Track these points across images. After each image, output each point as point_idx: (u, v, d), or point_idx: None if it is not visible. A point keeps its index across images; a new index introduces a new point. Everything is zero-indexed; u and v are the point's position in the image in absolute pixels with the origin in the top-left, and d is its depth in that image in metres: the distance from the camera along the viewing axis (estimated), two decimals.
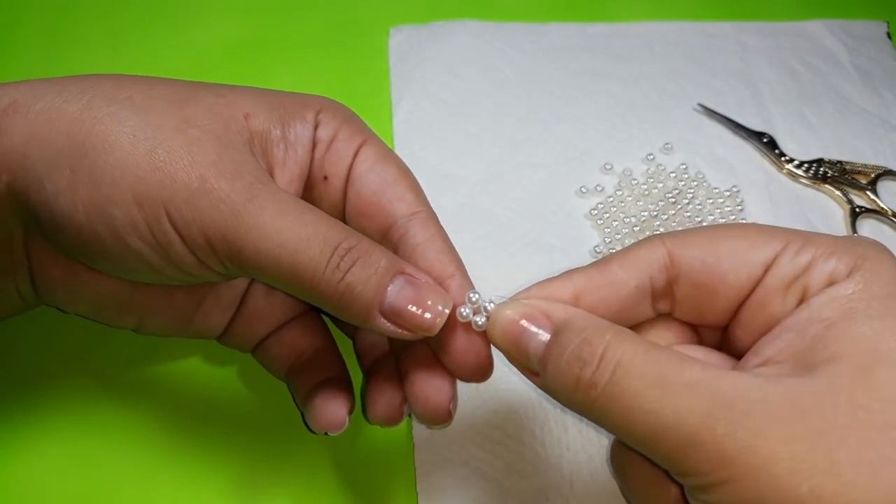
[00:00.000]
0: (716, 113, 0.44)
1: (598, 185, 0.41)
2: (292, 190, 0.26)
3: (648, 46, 0.48)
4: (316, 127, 0.26)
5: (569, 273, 0.24)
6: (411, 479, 0.31)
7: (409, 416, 0.32)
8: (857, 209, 0.41)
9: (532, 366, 0.23)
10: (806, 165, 0.42)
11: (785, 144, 0.43)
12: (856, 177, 0.42)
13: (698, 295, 0.24)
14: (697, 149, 0.43)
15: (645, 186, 0.41)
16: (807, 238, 0.22)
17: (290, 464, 0.32)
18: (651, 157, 0.42)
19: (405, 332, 0.24)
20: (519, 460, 0.32)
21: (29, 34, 0.47)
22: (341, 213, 0.28)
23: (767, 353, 0.22)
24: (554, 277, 0.24)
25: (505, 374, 0.34)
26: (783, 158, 0.43)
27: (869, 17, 0.50)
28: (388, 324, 0.24)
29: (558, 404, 0.33)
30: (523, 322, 0.23)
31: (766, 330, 0.23)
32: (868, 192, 0.41)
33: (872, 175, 0.42)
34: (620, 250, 0.24)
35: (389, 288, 0.23)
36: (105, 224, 0.23)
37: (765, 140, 0.43)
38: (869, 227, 0.41)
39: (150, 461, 0.31)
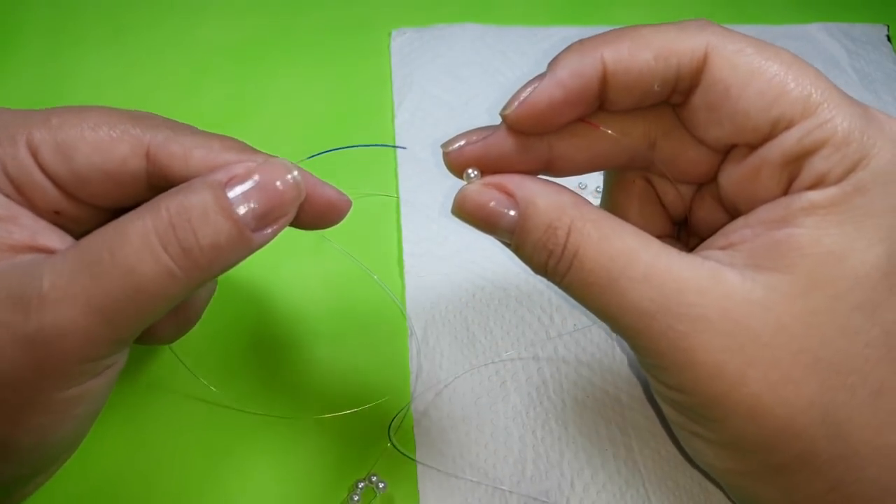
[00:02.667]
0: None
1: (598, 187, 0.41)
2: (60, 240, 0.23)
3: None
4: None
5: (600, 40, 0.23)
6: (412, 477, 0.31)
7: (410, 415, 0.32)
8: None
9: (504, 239, 0.24)
10: None
11: None
12: None
13: (705, 120, 0.23)
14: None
15: None
16: (834, 113, 0.21)
17: (290, 464, 0.32)
18: None
19: (286, 219, 0.22)
20: (520, 459, 0.32)
21: (32, 34, 0.47)
22: (91, 210, 0.24)
23: (733, 237, 0.23)
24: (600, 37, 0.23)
25: (505, 374, 0.34)
26: None
27: (869, 21, 0.50)
28: (270, 228, 0.22)
29: (558, 404, 0.33)
30: (491, 204, 0.23)
31: (746, 202, 0.23)
32: None
33: None
34: (659, 25, 0.23)
35: (235, 210, 0.21)
36: None
37: None
38: None
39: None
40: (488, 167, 0.24)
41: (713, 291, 0.21)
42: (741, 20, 0.50)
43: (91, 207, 0.24)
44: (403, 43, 0.47)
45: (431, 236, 0.39)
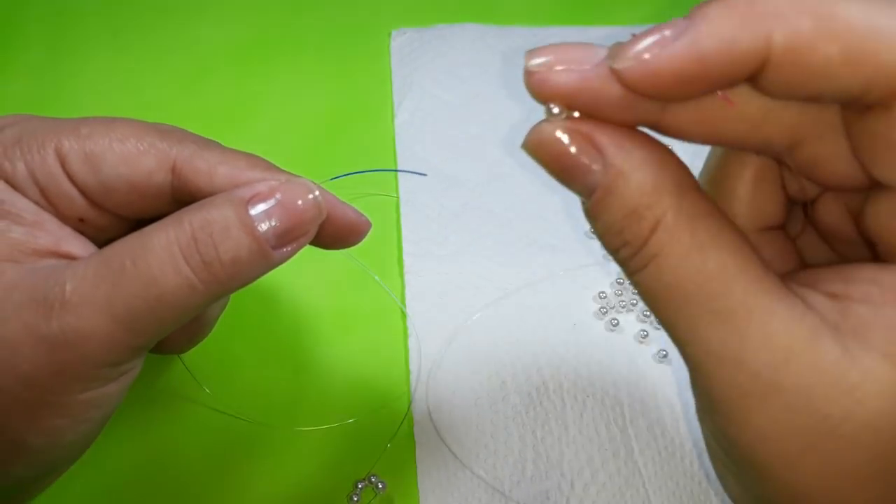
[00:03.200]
0: None
1: None
2: (83, 247, 0.23)
3: None
4: (13, 182, 0.22)
5: (774, 5, 0.16)
6: (412, 477, 0.31)
7: (410, 415, 0.32)
8: None
9: (580, 196, 0.19)
10: None
11: None
12: None
13: (880, 155, 0.17)
14: (698, 150, 0.43)
15: None
16: None
17: (288, 461, 0.32)
18: None
19: (306, 238, 0.22)
20: (520, 459, 0.32)
21: (32, 34, 0.48)
22: (116, 219, 0.24)
23: (853, 289, 0.18)
24: None
25: (505, 374, 0.34)
26: None
27: None
28: (290, 246, 0.22)
29: (558, 404, 0.33)
30: (573, 151, 0.18)
31: (887, 246, 0.18)
32: None
33: None
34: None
35: (256, 227, 0.21)
36: None
37: None
38: None
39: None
40: (580, 107, 0.19)
41: (803, 361, 0.17)
42: None
43: (115, 216, 0.24)
44: (403, 43, 0.47)
45: (431, 236, 0.39)
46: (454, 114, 0.44)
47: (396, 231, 0.39)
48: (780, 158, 0.20)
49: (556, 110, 0.19)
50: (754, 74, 0.16)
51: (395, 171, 0.22)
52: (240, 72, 0.46)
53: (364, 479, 0.31)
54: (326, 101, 0.45)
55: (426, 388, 0.34)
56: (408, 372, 0.34)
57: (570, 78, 0.18)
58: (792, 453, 0.18)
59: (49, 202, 0.23)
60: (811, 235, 0.22)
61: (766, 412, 0.18)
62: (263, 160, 0.24)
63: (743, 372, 0.18)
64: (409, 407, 0.33)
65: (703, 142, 0.20)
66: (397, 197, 0.40)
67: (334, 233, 0.24)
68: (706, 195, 0.19)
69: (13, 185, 0.22)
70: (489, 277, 0.37)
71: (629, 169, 0.18)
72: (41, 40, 0.47)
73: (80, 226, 0.23)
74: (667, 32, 0.17)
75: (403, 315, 0.36)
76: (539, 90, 0.19)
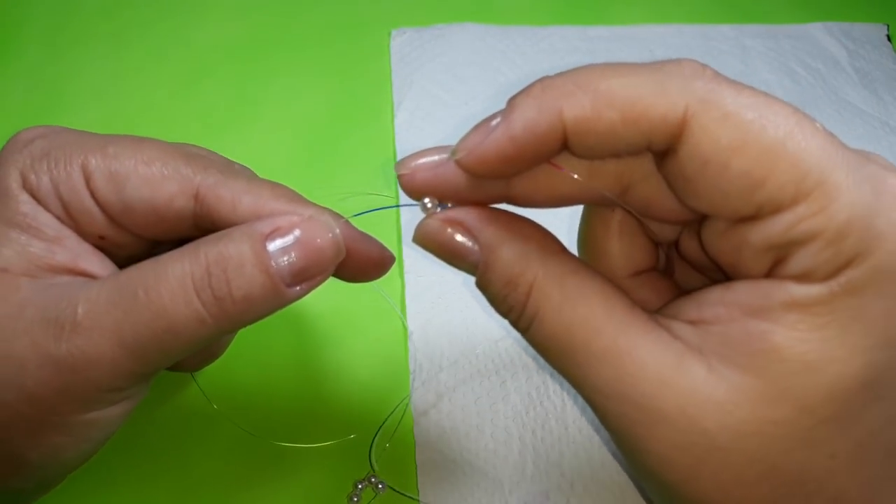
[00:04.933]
0: None
1: None
2: (101, 265, 0.23)
3: (648, 49, 0.48)
4: (37, 195, 0.22)
5: (561, 89, 0.19)
6: (412, 477, 0.31)
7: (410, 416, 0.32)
8: None
9: (470, 274, 0.22)
10: None
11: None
12: None
13: (682, 187, 0.20)
14: None
15: None
16: (832, 199, 0.17)
17: (288, 463, 0.32)
18: None
19: (322, 277, 0.22)
20: (520, 459, 0.32)
21: (32, 34, 0.47)
22: (135, 239, 0.24)
23: (706, 312, 0.20)
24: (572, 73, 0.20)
25: (505, 374, 0.34)
26: None
27: (869, 20, 0.50)
28: (306, 284, 0.22)
29: (558, 404, 0.33)
30: (456, 238, 0.21)
31: (727, 266, 0.20)
32: None
33: None
34: (637, 71, 0.19)
35: (272, 264, 0.21)
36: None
37: None
38: None
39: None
40: (444, 196, 0.22)
41: (674, 384, 0.19)
42: (741, 20, 0.50)
43: (135, 236, 0.24)
44: (403, 43, 0.47)
45: None
46: (454, 114, 0.44)
47: (396, 231, 0.39)
48: (624, 207, 0.23)
49: (429, 203, 0.22)
50: (563, 144, 0.20)
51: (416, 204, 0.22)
52: (239, 72, 0.46)
53: (364, 480, 0.31)
54: (326, 101, 0.45)
55: (426, 387, 0.34)
56: (408, 372, 0.34)
57: (426, 175, 0.21)
58: (687, 469, 0.20)
59: (70, 217, 0.23)
60: (686, 269, 0.24)
61: (656, 437, 0.20)
62: (289, 190, 0.23)
63: (627, 404, 0.20)
64: (408, 407, 0.33)
65: (550, 205, 0.23)
66: (397, 197, 0.40)
67: (356, 267, 0.24)
68: (570, 255, 0.22)
69: (37, 198, 0.22)
70: None
71: (498, 245, 0.21)
72: (40, 41, 0.47)
73: (99, 242, 0.23)
74: (491, 123, 0.20)
75: (403, 316, 0.36)
76: (408, 189, 0.22)
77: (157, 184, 0.22)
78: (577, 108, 0.19)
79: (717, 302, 0.20)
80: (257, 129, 0.43)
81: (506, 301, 0.21)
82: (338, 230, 0.22)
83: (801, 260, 0.18)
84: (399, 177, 0.22)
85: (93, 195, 0.22)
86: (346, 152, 0.43)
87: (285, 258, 0.21)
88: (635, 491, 0.31)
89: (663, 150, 0.19)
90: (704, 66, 0.19)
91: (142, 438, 0.32)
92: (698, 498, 0.20)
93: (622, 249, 0.24)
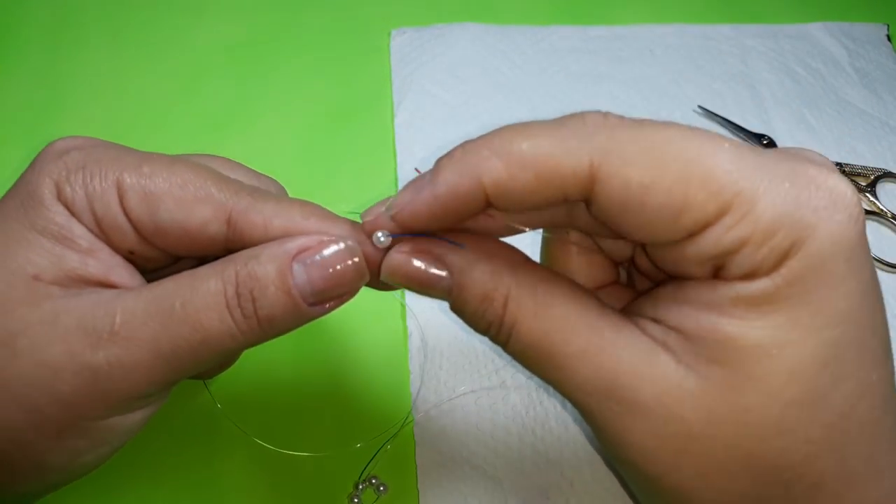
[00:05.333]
0: (716, 115, 0.45)
1: None
2: (130, 277, 0.24)
3: (648, 49, 0.48)
4: (72, 208, 0.23)
5: (478, 156, 0.20)
6: (412, 477, 0.31)
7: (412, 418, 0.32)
8: None
9: (443, 300, 0.23)
10: None
11: (785, 146, 0.43)
12: (855, 178, 0.42)
13: (612, 224, 0.21)
14: None
15: None
16: (754, 203, 0.19)
17: (288, 469, 0.32)
18: None
19: (346, 297, 0.23)
20: (519, 459, 0.32)
21: (31, 35, 0.47)
22: (164, 254, 0.24)
23: (663, 311, 0.21)
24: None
25: (505, 373, 0.34)
26: None
27: (869, 20, 0.50)
28: (328, 304, 0.23)
29: (558, 404, 0.33)
30: (424, 269, 0.22)
31: (676, 273, 0.21)
32: (867, 194, 0.41)
33: (872, 177, 0.42)
34: (543, 130, 0.20)
35: (293, 283, 0.22)
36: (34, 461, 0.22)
37: (764, 142, 0.43)
38: (869, 230, 0.41)
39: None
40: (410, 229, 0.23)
41: (649, 376, 0.20)
42: (742, 19, 0.50)
43: (164, 253, 0.24)
44: (403, 42, 0.47)
45: None
46: (454, 113, 0.44)
47: None
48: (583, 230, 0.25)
49: (381, 237, 0.22)
50: (487, 202, 0.20)
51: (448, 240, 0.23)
52: (239, 71, 0.46)
53: (364, 481, 0.31)
54: (326, 101, 0.45)
55: (426, 387, 0.34)
56: (408, 372, 0.34)
57: (375, 223, 0.22)
58: (669, 459, 0.20)
59: (102, 232, 0.23)
60: (646, 281, 0.25)
61: (638, 428, 0.21)
62: (318, 208, 0.24)
63: (607, 398, 0.21)
64: (409, 407, 0.33)
65: (506, 234, 0.24)
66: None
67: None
68: (537, 264, 0.23)
69: (71, 211, 0.22)
70: None
71: (468, 265, 0.22)
72: (40, 41, 0.47)
73: (129, 256, 0.24)
74: (419, 182, 0.21)
75: (404, 315, 0.36)
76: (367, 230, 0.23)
77: (190, 208, 0.23)
78: (493, 172, 0.20)
79: (671, 299, 0.21)
80: (257, 129, 0.43)
81: (484, 317, 0.22)
82: (359, 256, 0.23)
83: (739, 264, 0.19)
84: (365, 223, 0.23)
85: (126, 213, 0.23)
86: (346, 152, 0.43)
87: (309, 281, 0.22)
88: None
89: (582, 199, 0.20)
90: (606, 114, 0.20)
91: (147, 441, 0.32)
92: (681, 490, 0.21)
93: (581, 268, 0.25)
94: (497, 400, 0.33)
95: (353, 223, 0.23)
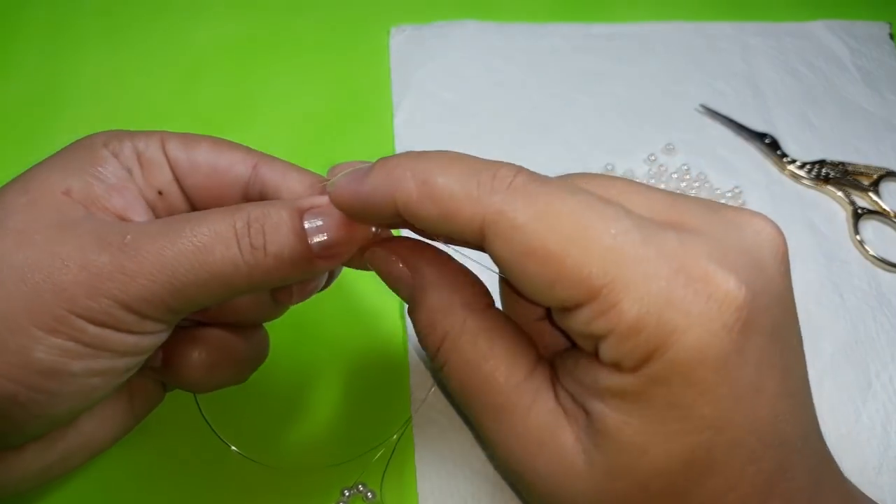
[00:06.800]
0: (718, 114, 0.44)
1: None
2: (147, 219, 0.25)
3: (650, 47, 0.48)
4: (118, 157, 0.25)
5: (396, 174, 0.22)
6: (412, 479, 0.31)
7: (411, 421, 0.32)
8: (860, 210, 0.40)
9: (404, 301, 0.25)
10: (808, 167, 0.42)
11: (787, 145, 0.43)
12: (858, 178, 0.42)
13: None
14: (699, 150, 0.43)
15: None
16: (621, 297, 0.19)
17: (289, 479, 0.31)
18: (653, 157, 0.42)
19: (342, 259, 0.24)
20: None
21: (30, 34, 0.47)
22: (187, 204, 0.27)
23: (566, 382, 0.22)
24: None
25: None
26: (785, 159, 0.42)
27: (871, 18, 0.50)
28: (335, 259, 0.24)
29: None
30: (398, 267, 0.24)
31: (572, 338, 0.22)
32: (870, 194, 0.41)
33: (875, 176, 0.42)
34: (462, 169, 0.21)
35: (305, 233, 0.23)
36: (29, 381, 0.21)
37: (767, 141, 0.43)
38: (871, 229, 0.40)
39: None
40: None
41: (548, 450, 0.22)
42: (743, 17, 0.50)
43: (186, 201, 0.26)
44: (403, 40, 0.47)
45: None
46: (454, 112, 0.44)
47: (395, 232, 0.39)
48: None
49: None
50: (402, 218, 0.22)
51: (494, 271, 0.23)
52: (238, 70, 0.46)
53: (352, 487, 0.30)
54: (325, 100, 0.45)
55: (426, 389, 0.33)
56: (407, 372, 0.34)
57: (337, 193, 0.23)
58: None
59: (140, 165, 0.25)
60: None
61: (535, 494, 0.22)
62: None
63: (511, 458, 0.22)
64: (408, 408, 0.33)
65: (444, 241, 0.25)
66: None
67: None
68: (495, 311, 0.24)
69: (117, 158, 0.25)
70: (488, 279, 0.37)
71: (428, 287, 0.23)
72: (38, 41, 0.47)
73: (156, 198, 0.26)
74: (358, 174, 0.22)
75: (403, 316, 0.36)
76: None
77: (223, 151, 0.26)
78: (404, 193, 0.21)
79: (571, 375, 0.22)
80: (256, 128, 0.43)
81: (424, 340, 0.24)
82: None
83: (606, 351, 0.20)
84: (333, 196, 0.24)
85: (165, 154, 0.26)
86: (346, 150, 0.43)
87: (319, 233, 0.23)
88: None
89: (479, 246, 0.21)
90: (518, 171, 0.21)
91: (134, 448, 0.31)
92: None
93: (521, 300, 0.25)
94: None
95: None
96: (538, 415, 0.22)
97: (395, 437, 0.32)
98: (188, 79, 0.45)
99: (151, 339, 0.23)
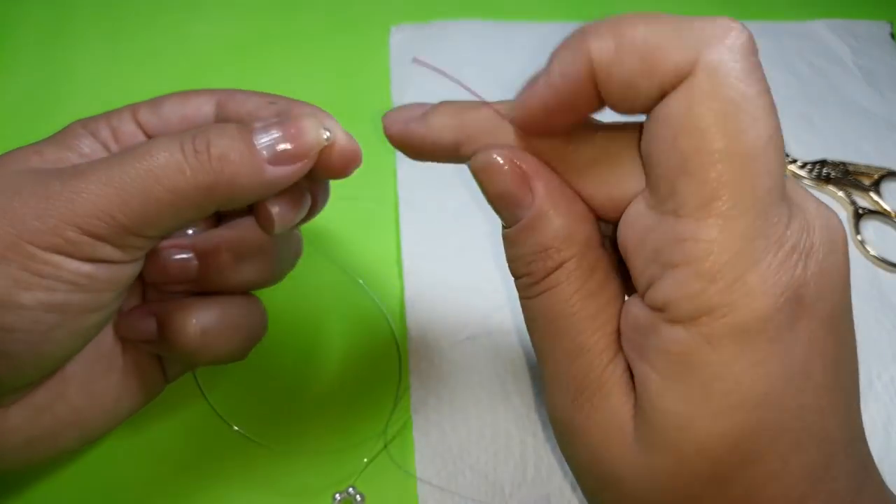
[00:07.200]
0: None
1: None
2: None
3: None
4: (95, 136, 0.26)
5: (594, 28, 0.20)
6: (412, 480, 0.31)
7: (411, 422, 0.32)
8: (861, 210, 0.40)
9: (502, 220, 0.22)
10: (809, 166, 0.42)
11: (788, 145, 0.43)
12: (859, 178, 0.42)
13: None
14: None
15: None
16: (720, 229, 0.18)
17: (287, 468, 0.31)
18: None
19: (301, 166, 0.23)
20: (521, 463, 0.31)
21: (28, 32, 0.47)
22: None
23: (627, 319, 0.21)
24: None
25: (506, 375, 0.34)
26: (786, 159, 0.42)
27: (872, 18, 0.50)
28: (286, 167, 0.23)
29: None
30: (515, 185, 0.21)
31: (627, 261, 0.21)
32: (871, 194, 0.41)
33: (876, 176, 0.42)
34: (667, 18, 0.19)
35: (251, 137, 0.22)
36: None
37: None
38: (872, 229, 0.40)
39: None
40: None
41: (611, 450, 0.20)
42: (744, 17, 0.49)
43: None
44: (402, 39, 0.47)
45: (431, 236, 0.38)
46: None
47: (395, 231, 0.39)
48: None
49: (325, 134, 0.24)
50: (597, 93, 0.20)
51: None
52: (237, 68, 0.46)
53: (343, 492, 0.30)
54: (324, 99, 0.43)
55: (425, 389, 0.33)
56: (407, 372, 0.34)
57: (396, 129, 0.25)
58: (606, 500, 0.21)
59: (117, 141, 0.26)
60: None
61: (575, 458, 0.22)
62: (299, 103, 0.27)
63: (574, 408, 0.21)
64: (408, 408, 0.33)
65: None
66: (396, 198, 0.40)
67: (328, 164, 0.25)
68: (606, 254, 0.22)
69: (93, 135, 0.25)
70: (490, 278, 0.37)
71: (553, 215, 0.21)
72: (37, 36, 0.47)
73: None
74: (532, 78, 0.22)
75: (402, 317, 0.36)
76: (390, 139, 0.25)
77: (188, 99, 0.26)
78: (602, 50, 0.19)
79: (629, 310, 0.21)
80: None
81: (529, 266, 0.21)
82: (328, 135, 0.24)
83: (664, 286, 0.18)
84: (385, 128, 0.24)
85: (138, 123, 0.26)
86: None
87: (265, 131, 0.23)
88: None
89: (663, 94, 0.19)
90: (740, 28, 0.18)
91: (148, 441, 0.31)
92: None
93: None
94: (498, 402, 0.33)
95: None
96: (614, 407, 0.20)
97: (389, 433, 0.32)
98: (186, 77, 0.45)
99: (108, 270, 0.22)
